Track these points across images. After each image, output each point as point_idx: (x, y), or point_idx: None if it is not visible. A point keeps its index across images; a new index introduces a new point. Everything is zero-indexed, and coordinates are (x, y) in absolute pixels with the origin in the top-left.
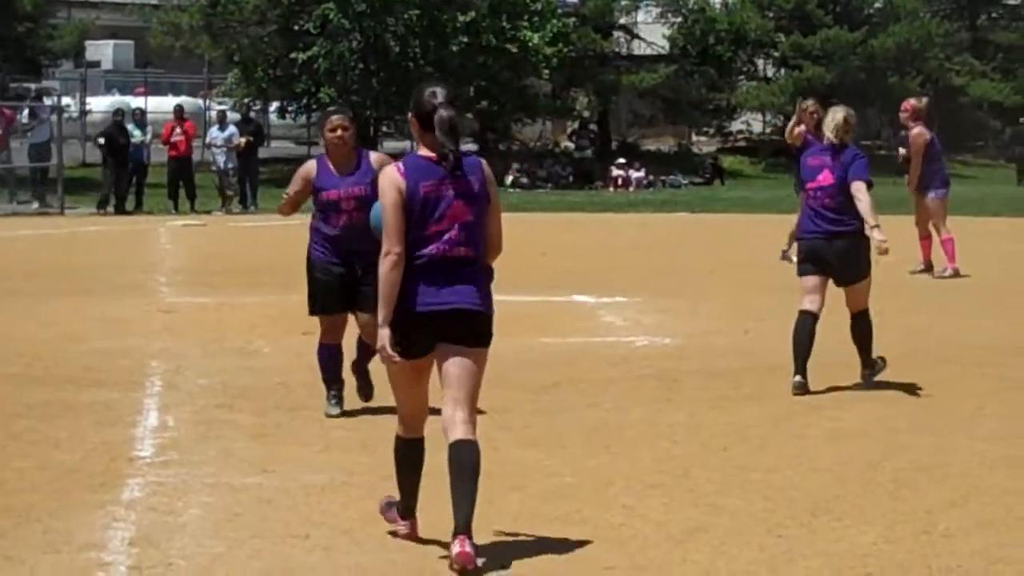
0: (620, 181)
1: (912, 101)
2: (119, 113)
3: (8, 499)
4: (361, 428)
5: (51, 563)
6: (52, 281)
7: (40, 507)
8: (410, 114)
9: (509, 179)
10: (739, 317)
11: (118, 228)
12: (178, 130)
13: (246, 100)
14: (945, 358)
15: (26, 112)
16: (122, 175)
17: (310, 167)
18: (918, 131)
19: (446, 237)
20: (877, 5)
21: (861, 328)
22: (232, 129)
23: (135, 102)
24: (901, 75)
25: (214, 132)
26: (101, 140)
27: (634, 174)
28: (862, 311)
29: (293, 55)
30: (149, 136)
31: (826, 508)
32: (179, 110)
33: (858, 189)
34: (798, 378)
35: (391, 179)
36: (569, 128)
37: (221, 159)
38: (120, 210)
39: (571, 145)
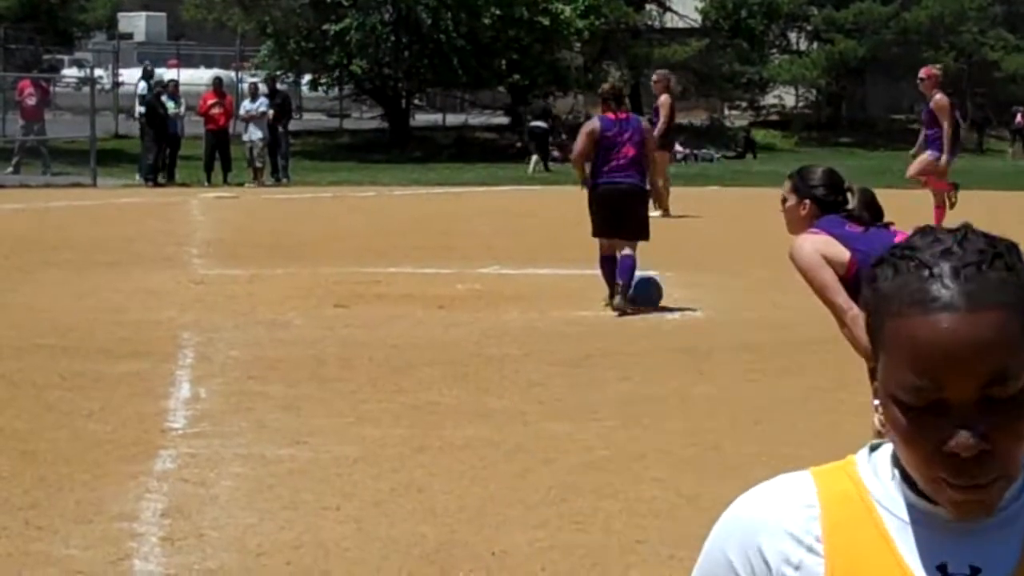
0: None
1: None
2: (158, 85)
3: (41, 470)
4: (393, 401)
5: (83, 533)
6: (85, 252)
7: (73, 478)
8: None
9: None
10: (770, 291)
11: (150, 200)
12: (217, 103)
13: (277, 72)
14: None
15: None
16: (161, 147)
17: None
18: (940, 96)
19: None
20: None
21: None
22: (263, 100)
23: (168, 74)
24: (935, 49)
25: (247, 104)
26: (142, 109)
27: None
28: None
29: (325, 27)
30: (183, 108)
31: None
32: (218, 83)
33: None
34: None
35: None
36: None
37: (254, 132)
38: (153, 182)
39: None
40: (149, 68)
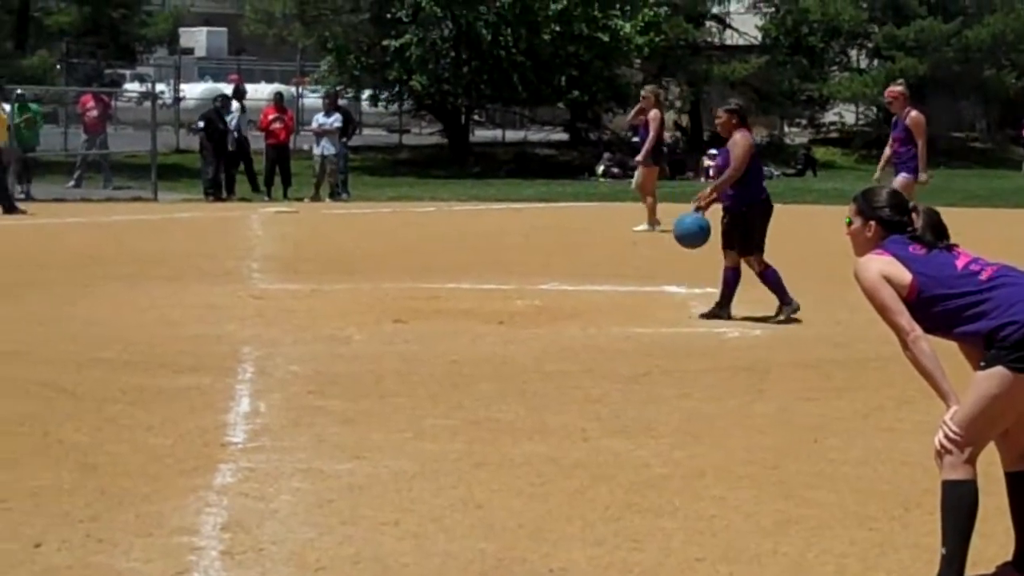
0: (712, 172)
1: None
2: (218, 99)
3: (102, 482)
4: (452, 416)
5: (144, 546)
6: (146, 266)
7: (133, 491)
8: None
9: (600, 169)
10: (830, 308)
11: (211, 214)
12: (277, 118)
13: (338, 87)
14: None
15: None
16: (220, 162)
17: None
18: (916, 113)
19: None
20: None
21: None
22: (338, 116)
23: (228, 89)
24: (997, 67)
25: (320, 118)
26: (201, 124)
27: None
28: None
29: (385, 43)
30: (242, 122)
31: (917, 502)
32: (279, 98)
33: None
34: None
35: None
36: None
37: (327, 147)
38: (214, 196)
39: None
40: (242, 88)
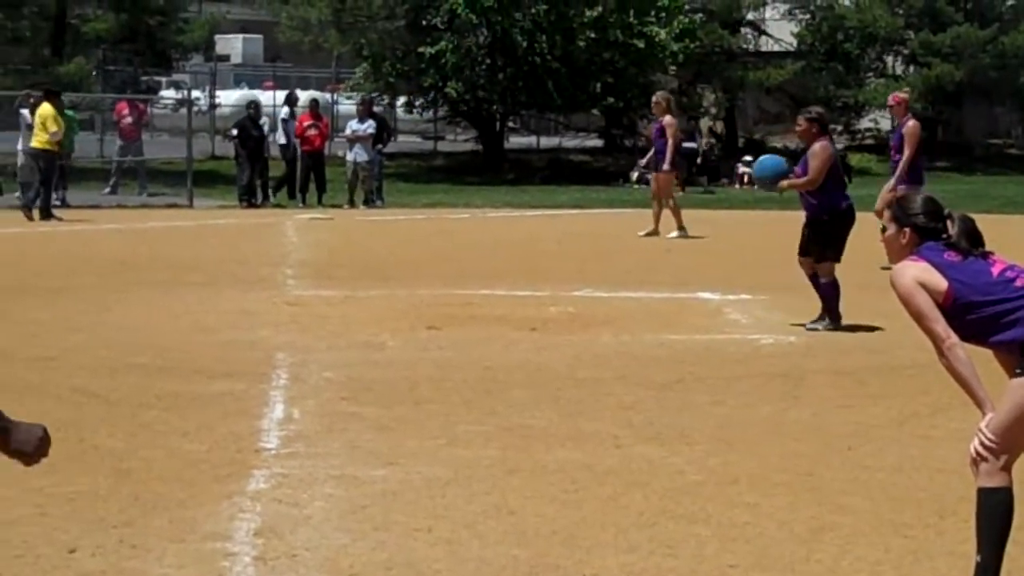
0: (746, 178)
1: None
2: (251, 106)
3: (136, 488)
4: (485, 423)
5: (177, 552)
6: (180, 272)
7: (167, 497)
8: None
9: (634, 175)
10: (865, 315)
11: (246, 221)
12: (313, 124)
13: (373, 94)
14: None
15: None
16: (254, 168)
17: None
18: (913, 123)
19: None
20: (1009, 2)
21: None
22: (371, 123)
23: (263, 96)
24: None
25: (354, 125)
26: (234, 132)
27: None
28: None
29: (421, 50)
30: (267, 127)
31: (952, 510)
32: (314, 105)
33: None
34: None
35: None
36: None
37: (360, 153)
38: (247, 202)
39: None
40: (295, 96)
